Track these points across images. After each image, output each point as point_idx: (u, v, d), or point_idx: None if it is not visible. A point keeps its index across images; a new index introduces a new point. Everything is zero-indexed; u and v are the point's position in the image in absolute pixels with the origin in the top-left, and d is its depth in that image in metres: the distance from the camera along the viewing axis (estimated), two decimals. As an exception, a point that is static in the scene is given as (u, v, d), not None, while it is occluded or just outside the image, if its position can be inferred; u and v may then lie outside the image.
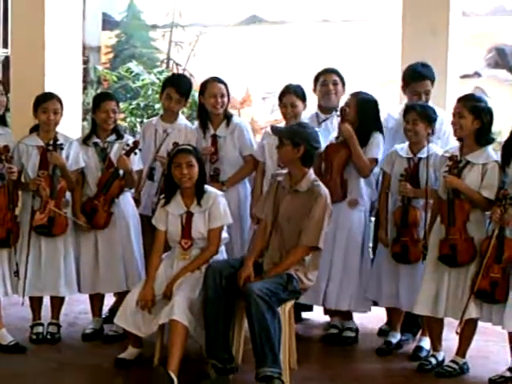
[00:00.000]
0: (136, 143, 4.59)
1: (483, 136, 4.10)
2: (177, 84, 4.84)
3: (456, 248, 4.06)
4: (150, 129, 4.93)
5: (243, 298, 3.88)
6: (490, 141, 4.15)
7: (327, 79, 4.84)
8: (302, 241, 4.02)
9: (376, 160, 4.59)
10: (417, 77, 4.63)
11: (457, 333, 4.08)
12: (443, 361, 4.24)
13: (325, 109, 4.88)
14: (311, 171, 4.14)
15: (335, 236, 4.60)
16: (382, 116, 4.72)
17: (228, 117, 4.83)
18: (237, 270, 4.02)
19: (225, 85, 4.80)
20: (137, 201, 4.80)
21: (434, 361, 4.24)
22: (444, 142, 4.60)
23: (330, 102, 4.82)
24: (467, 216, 4.07)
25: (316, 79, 4.92)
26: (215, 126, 4.83)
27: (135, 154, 4.57)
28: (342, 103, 4.72)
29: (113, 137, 4.68)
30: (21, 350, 4.45)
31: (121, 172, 4.57)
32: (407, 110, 4.41)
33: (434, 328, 4.29)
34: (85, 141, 4.70)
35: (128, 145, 4.59)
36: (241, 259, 4.22)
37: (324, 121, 4.85)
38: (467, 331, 4.13)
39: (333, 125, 4.79)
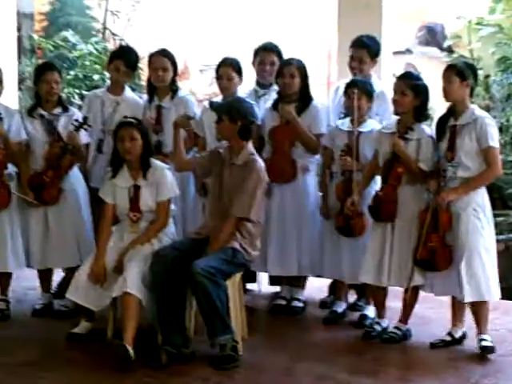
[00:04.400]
0: (86, 119, 4.54)
1: (421, 113, 4.26)
2: (125, 57, 4.80)
3: (381, 202, 4.23)
4: (95, 101, 4.86)
5: (188, 279, 3.90)
6: (427, 117, 4.31)
7: (265, 59, 4.86)
8: (233, 212, 4.04)
9: (322, 134, 4.66)
10: (355, 43, 4.73)
11: (404, 300, 4.24)
12: (387, 328, 4.38)
13: (262, 84, 4.92)
14: (249, 145, 4.16)
15: (298, 207, 4.67)
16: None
17: (174, 90, 4.80)
18: (183, 252, 4.01)
19: (170, 58, 4.75)
20: (85, 174, 4.74)
21: (378, 328, 4.38)
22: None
23: (265, 80, 4.88)
24: (399, 180, 4.21)
25: (255, 54, 4.93)
26: (161, 98, 4.80)
27: (85, 129, 4.52)
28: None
29: (58, 109, 4.60)
30: (-31, 327, 4.37)
31: (69, 147, 4.49)
32: (349, 85, 4.49)
33: (378, 296, 4.43)
34: (30, 112, 4.59)
35: (77, 120, 4.53)
36: (185, 240, 4.25)
37: (263, 95, 4.90)
38: (410, 299, 4.29)
39: (271, 99, 4.80)
